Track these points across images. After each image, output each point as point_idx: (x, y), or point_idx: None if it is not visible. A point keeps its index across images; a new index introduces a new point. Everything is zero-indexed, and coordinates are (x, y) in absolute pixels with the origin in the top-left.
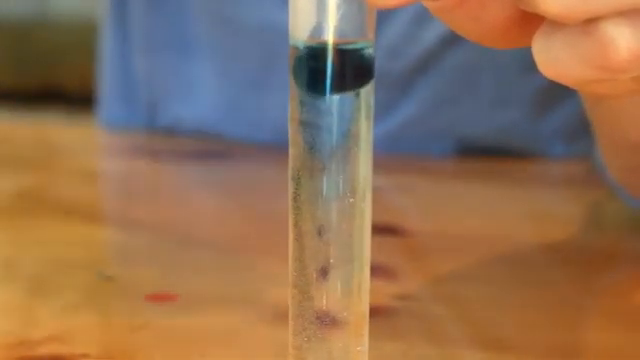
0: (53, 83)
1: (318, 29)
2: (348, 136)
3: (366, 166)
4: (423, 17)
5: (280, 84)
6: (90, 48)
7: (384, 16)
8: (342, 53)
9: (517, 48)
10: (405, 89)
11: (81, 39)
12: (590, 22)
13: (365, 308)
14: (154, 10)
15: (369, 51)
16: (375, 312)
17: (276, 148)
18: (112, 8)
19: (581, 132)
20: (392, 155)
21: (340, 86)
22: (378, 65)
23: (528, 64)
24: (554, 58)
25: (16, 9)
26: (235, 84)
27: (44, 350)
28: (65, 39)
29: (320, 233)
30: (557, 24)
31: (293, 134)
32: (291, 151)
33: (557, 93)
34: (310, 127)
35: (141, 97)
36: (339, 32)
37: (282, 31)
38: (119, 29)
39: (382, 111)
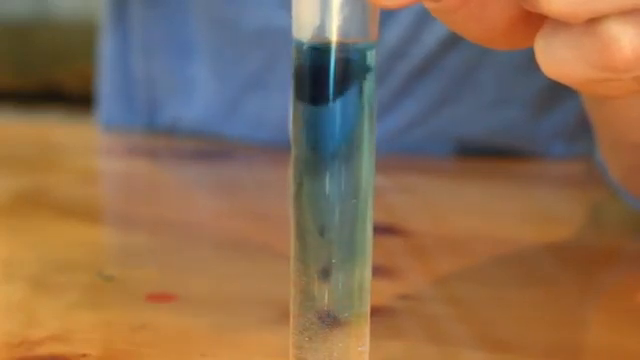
0: (53, 83)
1: (321, 29)
2: (351, 136)
3: (369, 166)
4: (425, 18)
5: (280, 85)
6: (90, 48)
7: (386, 17)
8: (345, 52)
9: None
10: (406, 90)
11: (81, 39)
12: (593, 21)
13: (366, 308)
14: (154, 11)
15: (372, 51)
16: (376, 312)
17: (276, 148)
18: (112, 9)
19: (581, 132)
20: (393, 155)
21: (342, 85)
22: (379, 66)
23: (528, 64)
24: (557, 58)
25: (16, 9)
26: (235, 85)
27: (44, 350)
28: (65, 39)
29: (322, 233)
30: (560, 24)
31: (295, 134)
32: (293, 151)
33: (557, 93)
34: (313, 127)
35: (141, 97)
36: (342, 32)
37: (282, 32)
38: (119, 30)
39: (383, 112)
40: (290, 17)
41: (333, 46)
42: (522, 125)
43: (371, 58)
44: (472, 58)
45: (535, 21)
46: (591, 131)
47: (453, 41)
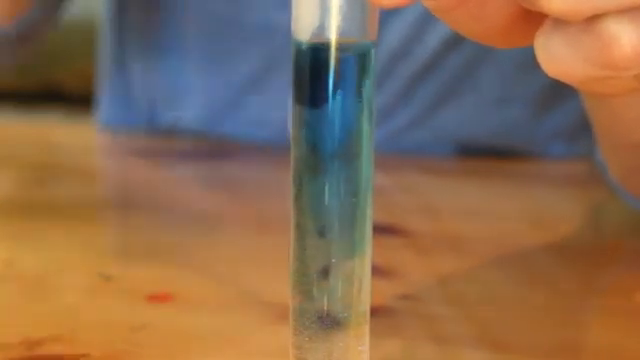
0: (53, 83)
1: (320, 29)
2: (350, 136)
3: (368, 166)
4: (427, 19)
5: (280, 84)
6: (90, 48)
7: (389, 18)
8: (344, 52)
9: (518, 47)
10: (408, 91)
11: (81, 39)
12: (593, 20)
13: (366, 308)
14: (153, 11)
15: (371, 51)
16: (376, 312)
17: (276, 148)
18: (111, 9)
19: (581, 132)
20: (393, 155)
21: (341, 85)
22: (382, 67)
23: (529, 63)
24: (557, 56)
25: None
26: (236, 84)
27: (44, 350)
28: (65, 39)
29: (321, 233)
30: (559, 22)
31: (295, 134)
32: (293, 151)
33: (559, 92)
34: (312, 127)
35: (140, 98)
36: (341, 32)
37: (282, 31)
38: (118, 30)
39: (385, 113)
40: (290, 17)
41: (332, 46)
42: (523, 124)
43: (370, 58)
44: (474, 57)
45: (535, 19)
46: (591, 131)
47: (455, 41)
